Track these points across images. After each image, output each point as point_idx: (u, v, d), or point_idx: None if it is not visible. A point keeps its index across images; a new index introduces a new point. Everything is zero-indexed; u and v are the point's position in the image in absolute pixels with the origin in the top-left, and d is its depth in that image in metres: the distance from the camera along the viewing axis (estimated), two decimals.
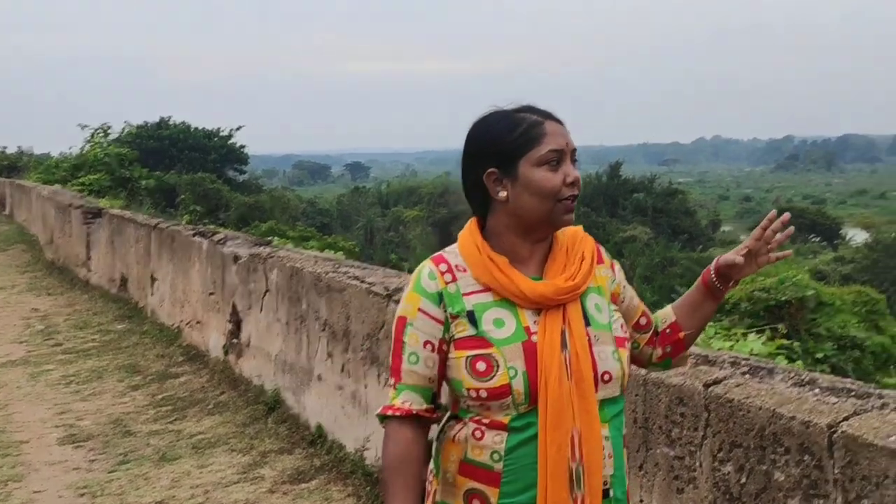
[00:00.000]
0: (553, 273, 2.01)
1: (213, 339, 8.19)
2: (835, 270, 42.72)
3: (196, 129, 48.68)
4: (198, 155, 46.53)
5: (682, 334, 2.22)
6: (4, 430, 6.55)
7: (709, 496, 2.88)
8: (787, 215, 2.12)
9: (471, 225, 2.06)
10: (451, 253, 2.05)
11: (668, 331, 2.23)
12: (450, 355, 1.99)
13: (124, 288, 11.75)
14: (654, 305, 2.45)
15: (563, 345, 1.94)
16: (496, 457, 1.94)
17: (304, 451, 5.72)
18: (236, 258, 7.64)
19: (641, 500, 3.15)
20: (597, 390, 1.96)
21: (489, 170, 2.00)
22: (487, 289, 1.98)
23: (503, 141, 1.99)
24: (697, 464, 2.93)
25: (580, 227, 2.08)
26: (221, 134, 48.73)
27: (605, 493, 1.97)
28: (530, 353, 1.93)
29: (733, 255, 2.13)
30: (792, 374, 2.94)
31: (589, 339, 1.98)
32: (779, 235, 2.13)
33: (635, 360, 2.22)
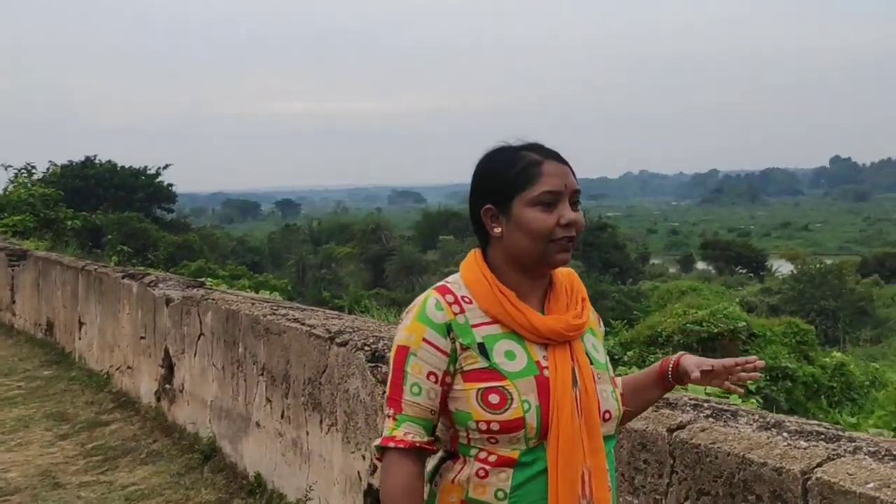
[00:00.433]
0: (557, 310, 2.01)
1: (144, 385, 7.93)
2: (762, 301, 43.63)
3: (122, 167, 48.02)
4: (124, 194, 45.96)
5: (624, 409, 2.20)
6: None
7: None
8: (761, 363, 2.13)
9: (476, 256, 2.06)
10: (455, 283, 2.02)
11: None
12: (455, 387, 1.95)
13: (51, 332, 11.43)
14: None
15: (574, 381, 1.95)
16: (501, 494, 1.91)
17: (243, 501, 5.53)
18: (168, 301, 7.43)
19: None
20: None
21: (486, 206, 2.01)
22: (495, 321, 1.97)
23: (500, 179, 1.99)
24: None
25: (572, 270, 2.11)
26: (148, 172, 48.15)
27: None
28: (543, 387, 1.92)
29: (695, 370, 2.11)
30: (756, 417, 2.86)
31: (593, 377, 2.00)
32: (744, 374, 2.13)
33: None
